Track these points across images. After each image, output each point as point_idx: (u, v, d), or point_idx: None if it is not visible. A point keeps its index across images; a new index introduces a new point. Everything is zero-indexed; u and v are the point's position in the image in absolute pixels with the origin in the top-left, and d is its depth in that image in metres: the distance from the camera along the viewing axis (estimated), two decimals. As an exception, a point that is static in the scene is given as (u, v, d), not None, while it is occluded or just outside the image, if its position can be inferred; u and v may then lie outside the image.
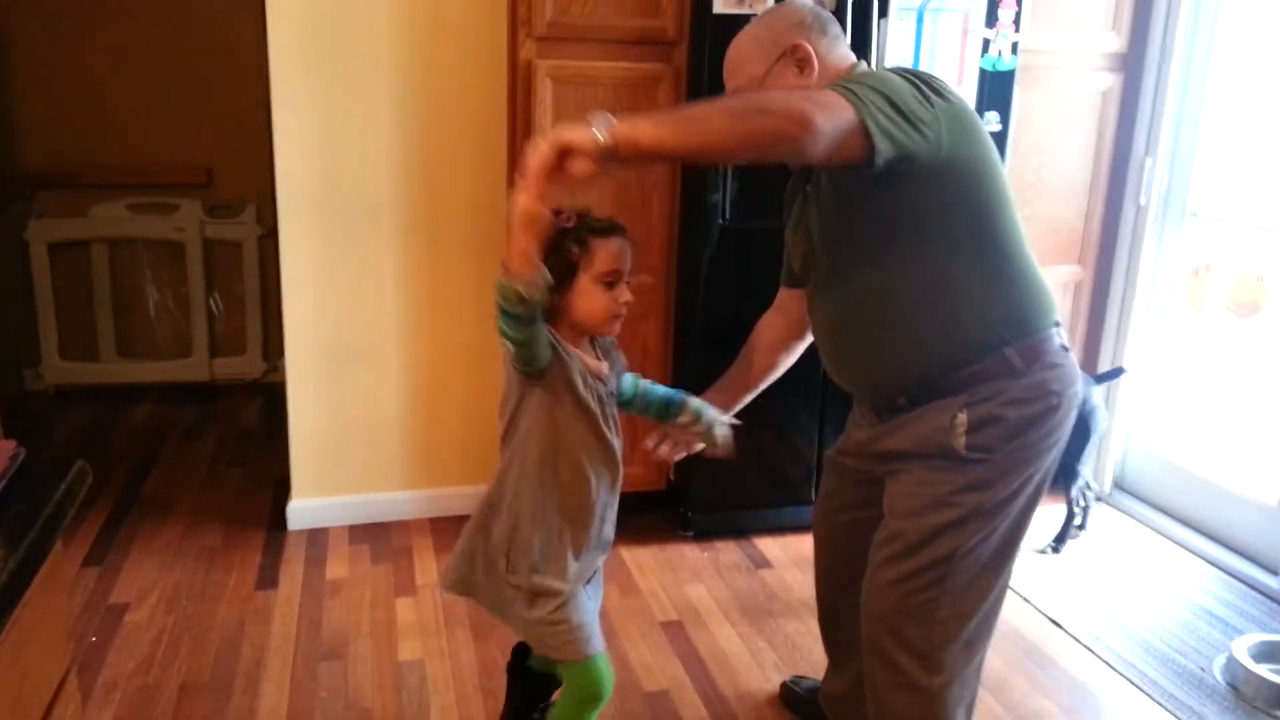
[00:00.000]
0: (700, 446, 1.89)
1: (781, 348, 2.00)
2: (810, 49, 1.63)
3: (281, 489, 3.10)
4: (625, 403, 1.82)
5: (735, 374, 2.00)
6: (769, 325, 2.00)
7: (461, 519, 3.01)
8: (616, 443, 1.73)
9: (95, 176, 4.04)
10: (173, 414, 3.93)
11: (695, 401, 1.86)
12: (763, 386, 2.02)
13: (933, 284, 1.56)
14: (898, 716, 1.70)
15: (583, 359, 1.68)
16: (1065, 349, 1.64)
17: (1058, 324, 1.64)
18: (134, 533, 2.93)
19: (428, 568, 2.80)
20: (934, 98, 1.50)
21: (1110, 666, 2.42)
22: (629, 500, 3.02)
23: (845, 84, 1.47)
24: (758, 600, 2.68)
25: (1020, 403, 1.57)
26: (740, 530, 3.02)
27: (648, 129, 1.36)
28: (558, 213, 1.56)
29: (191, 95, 4.10)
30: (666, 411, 1.86)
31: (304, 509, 2.99)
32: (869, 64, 1.67)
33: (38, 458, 1.18)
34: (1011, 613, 2.63)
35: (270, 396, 4.04)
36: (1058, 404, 1.60)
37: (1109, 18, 3.04)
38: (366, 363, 2.96)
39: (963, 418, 1.55)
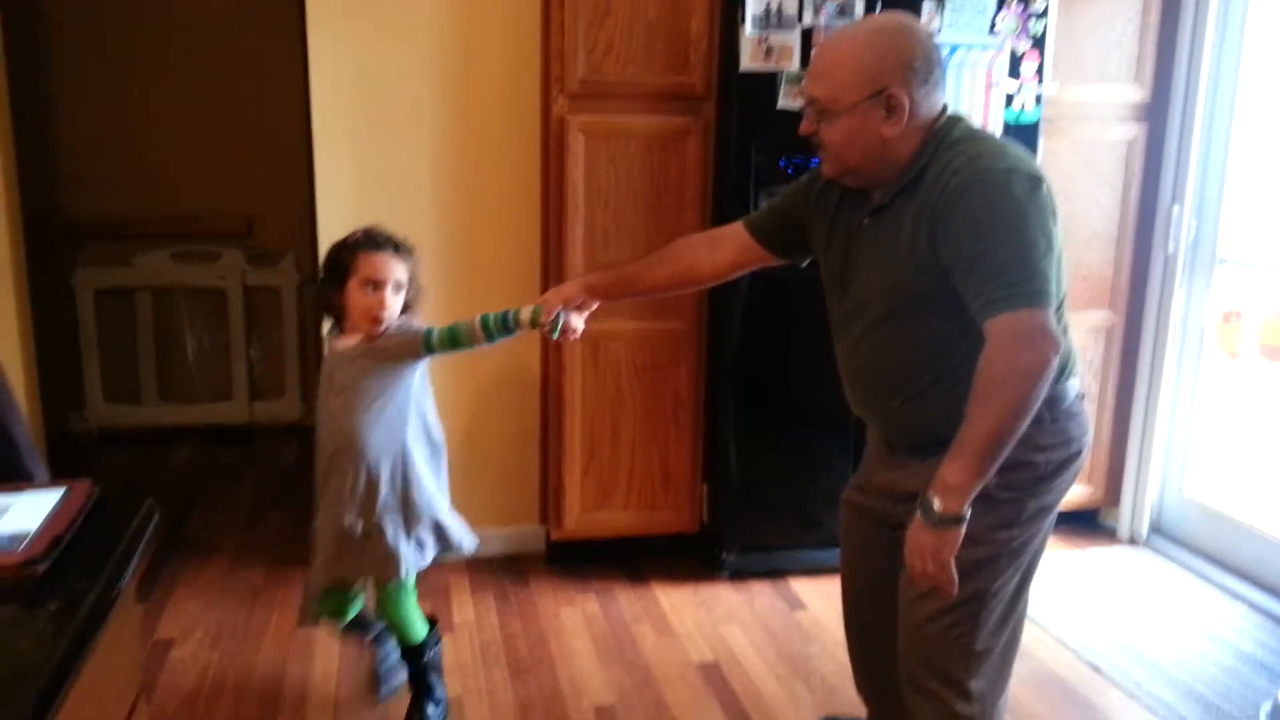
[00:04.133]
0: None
1: (688, 280, 2.02)
2: (906, 101, 1.56)
3: (320, 530, 3.15)
4: (440, 347, 2.09)
5: (633, 271, 2.04)
6: (694, 252, 1.98)
7: (496, 560, 3.09)
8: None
9: (140, 227, 4.18)
10: (213, 456, 4.01)
11: (518, 314, 2.03)
12: (639, 297, 2.21)
13: (981, 343, 1.55)
14: None
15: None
16: (1081, 397, 1.72)
17: (1076, 374, 1.71)
18: (178, 571, 2.99)
19: (464, 606, 2.83)
20: (1049, 218, 1.54)
21: (1153, 713, 2.40)
22: (663, 542, 3.08)
23: (1008, 285, 1.48)
24: (793, 641, 2.68)
25: (1048, 449, 1.65)
26: (775, 571, 3.03)
27: (965, 482, 1.52)
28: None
29: (232, 147, 4.24)
30: (505, 328, 2.06)
31: (343, 550, 3.03)
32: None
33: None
34: (1051, 658, 2.62)
35: (308, 439, 4.08)
36: (1078, 450, 1.70)
37: (1131, 69, 3.09)
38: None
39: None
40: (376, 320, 2.07)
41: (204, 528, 3.32)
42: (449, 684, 2.44)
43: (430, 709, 2.23)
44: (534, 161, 2.94)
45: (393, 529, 2.14)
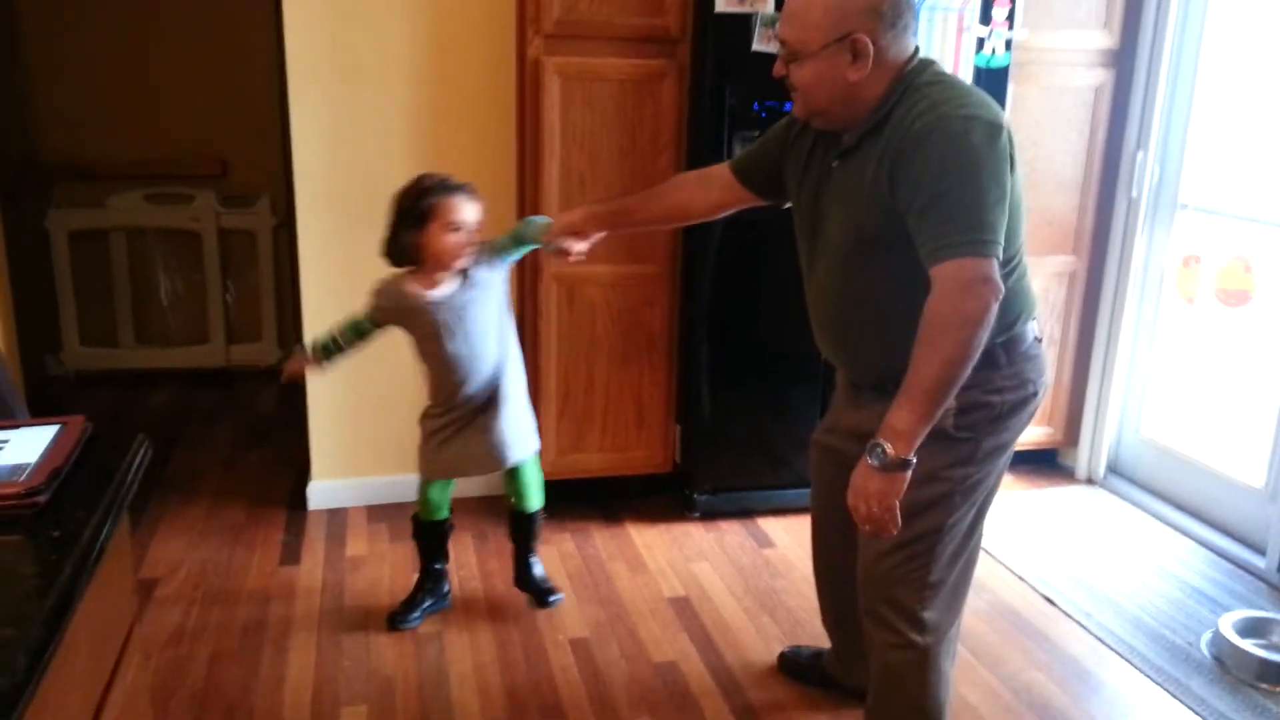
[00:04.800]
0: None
1: (682, 215, 2.20)
2: (870, 45, 1.59)
3: (301, 471, 3.21)
4: (507, 252, 2.36)
5: (631, 204, 2.20)
6: (687, 190, 2.11)
7: (474, 500, 3.15)
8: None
9: (112, 168, 4.14)
10: (191, 399, 4.04)
11: (522, 233, 2.31)
12: (635, 229, 2.45)
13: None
14: (896, 674, 1.84)
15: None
16: (1039, 340, 1.78)
17: (1034, 318, 1.77)
18: (160, 512, 3.04)
19: (443, 546, 2.90)
20: (1005, 167, 1.56)
21: (1101, 641, 2.52)
22: (637, 483, 3.15)
23: (956, 232, 1.52)
24: (761, 577, 2.78)
25: (1003, 390, 1.71)
26: (745, 511, 3.12)
27: (913, 427, 1.55)
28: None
29: (207, 88, 4.20)
30: (522, 239, 2.31)
31: (323, 490, 3.10)
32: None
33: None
34: (1008, 591, 2.74)
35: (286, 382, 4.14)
36: (1034, 391, 1.76)
37: (1100, 15, 3.12)
38: (382, 348, 3.04)
39: (952, 403, 1.63)
40: (463, 258, 2.28)
41: (184, 470, 3.36)
42: (429, 621, 2.53)
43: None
44: (509, 103, 2.95)
45: (527, 408, 2.51)
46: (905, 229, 1.60)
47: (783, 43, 1.67)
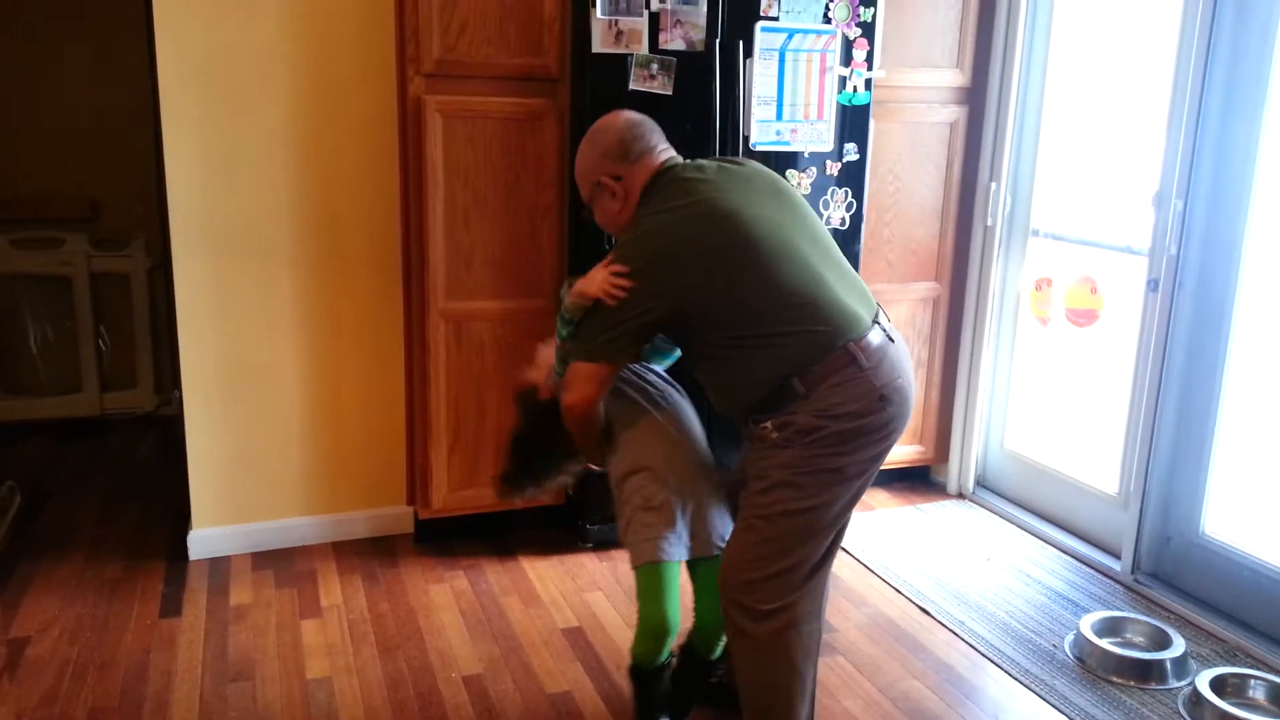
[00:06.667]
0: None
1: None
2: (610, 182, 1.99)
3: (181, 520, 3.13)
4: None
5: None
6: None
7: (364, 542, 3.13)
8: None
9: (-25, 211, 3.98)
10: (64, 450, 3.89)
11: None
12: None
13: (721, 362, 1.95)
14: (739, 661, 2.03)
15: None
16: (856, 364, 1.87)
17: (849, 343, 1.87)
18: (31, 569, 2.92)
19: (332, 590, 2.87)
20: (660, 271, 1.87)
21: (973, 648, 2.65)
22: (530, 515, 3.18)
23: (582, 344, 1.97)
24: (652, 603, 2.83)
25: (810, 414, 1.87)
26: (635, 539, 3.17)
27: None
28: None
29: (75, 128, 4.08)
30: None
31: (205, 538, 3.02)
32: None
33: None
34: (886, 604, 2.86)
35: (164, 429, 4.03)
36: (847, 412, 1.86)
37: (953, 55, 3.33)
38: (264, 390, 3.02)
39: (770, 425, 1.91)
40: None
41: (57, 524, 3.23)
42: (316, 666, 2.50)
43: None
44: (391, 140, 2.97)
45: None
46: (676, 331, 1.99)
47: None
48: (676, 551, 2.06)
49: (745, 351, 1.89)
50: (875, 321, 1.93)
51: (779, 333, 1.87)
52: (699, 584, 2.15)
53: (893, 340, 1.94)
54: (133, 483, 3.59)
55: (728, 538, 2.04)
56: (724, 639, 2.14)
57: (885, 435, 1.91)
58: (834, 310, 1.88)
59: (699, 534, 2.10)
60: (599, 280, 1.90)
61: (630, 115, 2.04)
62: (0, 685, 2.36)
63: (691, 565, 2.13)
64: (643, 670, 2.16)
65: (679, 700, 2.22)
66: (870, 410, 1.87)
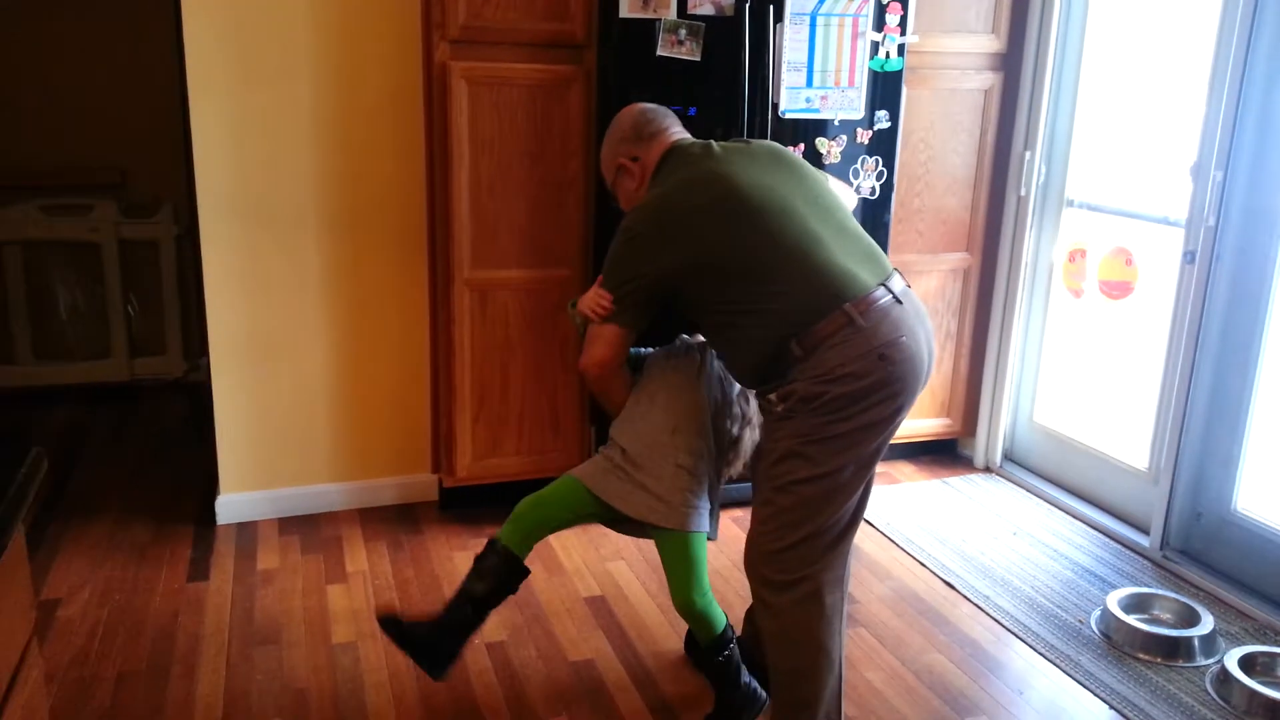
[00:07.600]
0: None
1: None
2: (629, 163, 2.12)
3: (209, 485, 3.16)
4: None
5: None
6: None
7: (389, 509, 3.15)
8: None
9: (7, 178, 4.01)
10: (93, 415, 3.94)
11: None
12: None
13: (727, 329, 1.99)
14: (765, 634, 2.04)
15: None
16: (853, 324, 1.85)
17: (846, 304, 1.85)
18: (62, 531, 2.96)
19: (357, 556, 2.89)
20: (658, 242, 1.95)
21: (998, 622, 2.63)
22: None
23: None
24: (675, 574, 2.83)
25: (809, 380, 1.87)
26: (658, 509, 3.17)
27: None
28: None
29: (104, 95, 4.10)
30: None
31: (232, 503, 3.05)
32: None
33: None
34: (911, 577, 2.84)
35: (193, 395, 4.06)
36: (846, 373, 1.85)
37: (988, 20, 3.26)
38: (291, 357, 3.03)
39: (774, 397, 1.93)
40: None
41: (87, 488, 3.28)
42: (341, 631, 2.52)
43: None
44: (417, 109, 2.95)
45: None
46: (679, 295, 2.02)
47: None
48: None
49: (746, 315, 1.94)
50: (884, 285, 1.90)
51: (774, 292, 1.90)
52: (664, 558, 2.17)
53: (900, 302, 1.91)
54: (161, 448, 3.63)
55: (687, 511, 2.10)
56: (711, 623, 2.17)
57: (891, 396, 1.86)
58: (830, 271, 1.88)
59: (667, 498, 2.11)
60: (588, 299, 2.06)
61: (644, 104, 2.20)
62: (30, 647, 2.39)
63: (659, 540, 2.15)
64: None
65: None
66: (870, 370, 1.84)
